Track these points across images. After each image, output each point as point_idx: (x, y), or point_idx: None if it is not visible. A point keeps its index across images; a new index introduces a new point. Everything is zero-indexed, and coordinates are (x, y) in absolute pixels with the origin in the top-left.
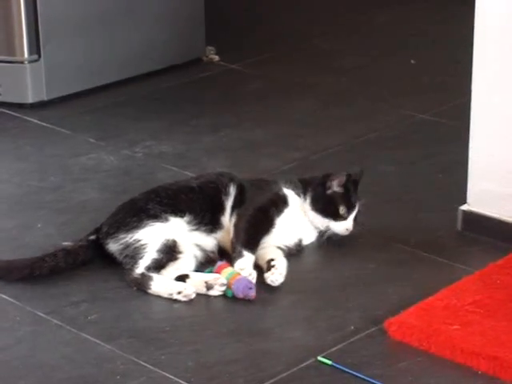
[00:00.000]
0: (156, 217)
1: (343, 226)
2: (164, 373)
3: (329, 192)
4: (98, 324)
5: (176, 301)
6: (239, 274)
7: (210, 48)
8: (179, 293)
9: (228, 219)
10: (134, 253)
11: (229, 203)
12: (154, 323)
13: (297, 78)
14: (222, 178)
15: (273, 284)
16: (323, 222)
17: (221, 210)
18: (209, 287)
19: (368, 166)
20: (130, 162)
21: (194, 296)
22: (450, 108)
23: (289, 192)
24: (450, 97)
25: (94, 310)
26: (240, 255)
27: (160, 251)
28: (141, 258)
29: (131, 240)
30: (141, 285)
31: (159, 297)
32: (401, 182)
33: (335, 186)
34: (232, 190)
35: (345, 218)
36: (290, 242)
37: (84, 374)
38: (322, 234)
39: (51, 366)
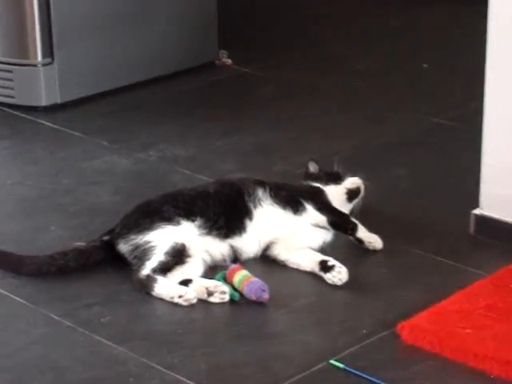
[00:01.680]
0: (168, 219)
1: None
2: (177, 375)
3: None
4: (111, 326)
5: (178, 304)
6: (252, 277)
7: (222, 51)
8: (180, 296)
9: (253, 222)
10: (143, 254)
11: (257, 204)
12: (166, 326)
13: (309, 82)
14: (244, 180)
15: (339, 283)
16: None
17: (245, 212)
18: (209, 294)
19: (381, 170)
20: (143, 166)
21: (195, 301)
22: (462, 112)
23: (322, 186)
24: (462, 101)
25: (106, 312)
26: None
27: (168, 254)
28: (148, 259)
29: (141, 241)
30: (145, 286)
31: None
32: (413, 185)
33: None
34: (259, 191)
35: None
36: (316, 243)
37: (97, 376)
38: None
39: (64, 368)
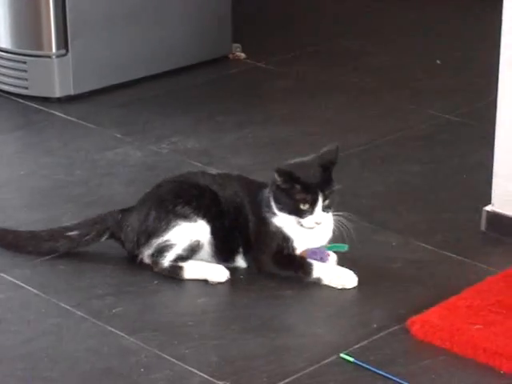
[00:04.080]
0: (185, 217)
1: (311, 221)
2: (187, 366)
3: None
4: (123, 317)
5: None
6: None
7: (236, 45)
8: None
9: None
10: (162, 250)
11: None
12: (178, 317)
13: (323, 77)
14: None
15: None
16: (293, 222)
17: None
18: None
19: (393, 165)
20: (156, 158)
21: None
22: (475, 109)
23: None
24: (475, 97)
25: (118, 303)
26: None
27: (185, 250)
28: (167, 252)
29: (161, 241)
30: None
31: (183, 291)
32: (425, 181)
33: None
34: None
35: (310, 212)
36: None
37: (108, 366)
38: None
39: (76, 358)
